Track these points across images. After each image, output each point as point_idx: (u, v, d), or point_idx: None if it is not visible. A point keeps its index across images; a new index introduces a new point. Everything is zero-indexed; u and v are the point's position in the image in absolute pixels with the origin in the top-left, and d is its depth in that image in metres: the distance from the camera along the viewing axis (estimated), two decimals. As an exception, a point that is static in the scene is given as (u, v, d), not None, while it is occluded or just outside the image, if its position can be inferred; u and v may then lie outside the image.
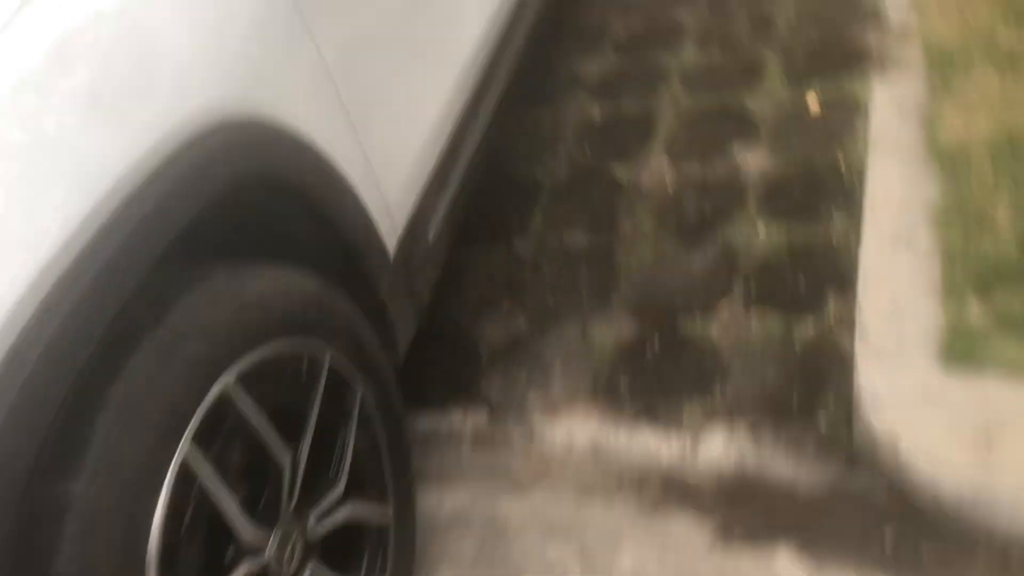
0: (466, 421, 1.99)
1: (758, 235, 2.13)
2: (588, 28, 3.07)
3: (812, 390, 1.78)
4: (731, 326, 1.96)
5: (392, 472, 1.54)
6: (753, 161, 2.32)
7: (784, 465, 1.69)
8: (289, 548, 1.26)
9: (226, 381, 1.16)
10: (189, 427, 1.09)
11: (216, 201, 1.14)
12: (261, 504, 1.25)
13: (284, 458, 1.27)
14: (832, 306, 1.91)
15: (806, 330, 1.90)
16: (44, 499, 0.95)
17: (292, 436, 1.30)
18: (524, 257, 2.30)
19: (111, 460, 1.00)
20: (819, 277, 1.98)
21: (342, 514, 1.38)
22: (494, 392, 2.01)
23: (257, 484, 1.25)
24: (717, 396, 1.84)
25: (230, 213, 1.19)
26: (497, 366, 2.06)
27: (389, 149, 1.58)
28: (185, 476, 1.09)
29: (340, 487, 1.39)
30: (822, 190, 2.18)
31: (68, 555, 0.94)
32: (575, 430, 1.88)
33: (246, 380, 1.19)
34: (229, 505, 1.16)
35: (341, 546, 1.39)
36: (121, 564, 0.99)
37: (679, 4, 3.02)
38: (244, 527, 1.18)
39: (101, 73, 1.02)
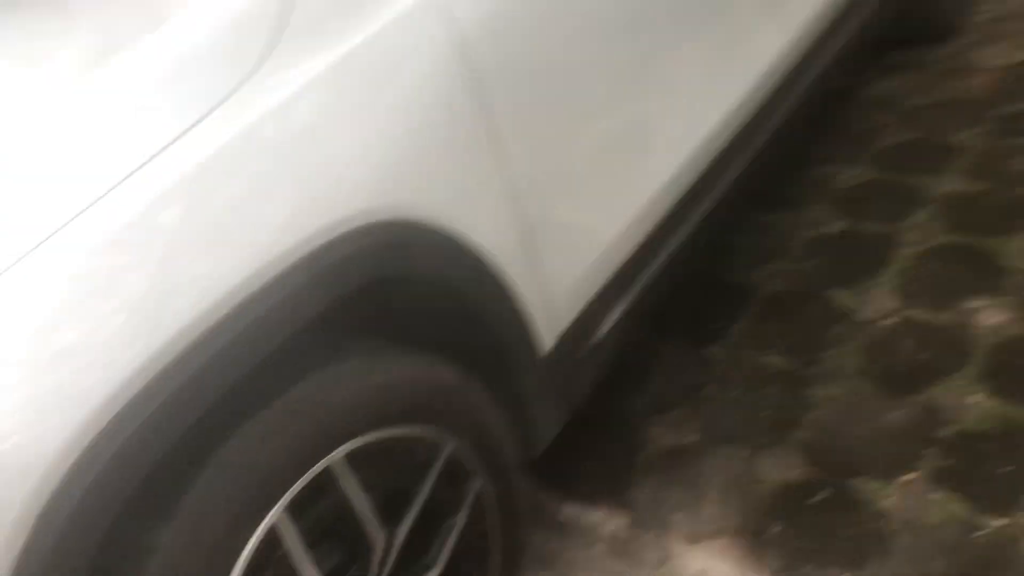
0: (606, 523, 1.95)
1: (971, 405, 1.91)
2: (853, 133, 2.91)
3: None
4: (909, 500, 1.77)
5: (499, 568, 1.55)
6: (989, 320, 2.09)
7: None
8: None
9: (333, 458, 1.23)
10: (285, 495, 1.17)
11: (359, 291, 1.21)
12: (348, 576, 1.30)
13: (379, 537, 1.32)
14: (1032, 509, 1.67)
15: (994, 526, 1.67)
16: (132, 544, 1.06)
17: (395, 513, 1.34)
18: (713, 366, 2.22)
19: (201, 514, 1.09)
20: (1027, 472, 1.74)
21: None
22: (642, 501, 1.96)
23: (348, 557, 1.31)
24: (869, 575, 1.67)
25: (375, 302, 1.26)
26: (652, 474, 2.01)
27: (563, 251, 1.60)
28: (271, 540, 1.16)
29: (435, 573, 1.42)
30: (1063, 371, 1.91)
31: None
32: (710, 567, 1.79)
33: (355, 458, 1.26)
34: (311, 574, 1.22)
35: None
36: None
37: (964, 126, 2.77)
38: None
39: (270, 167, 1.13)
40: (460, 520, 1.45)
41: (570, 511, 1.99)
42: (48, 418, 0.96)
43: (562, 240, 1.62)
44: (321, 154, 1.18)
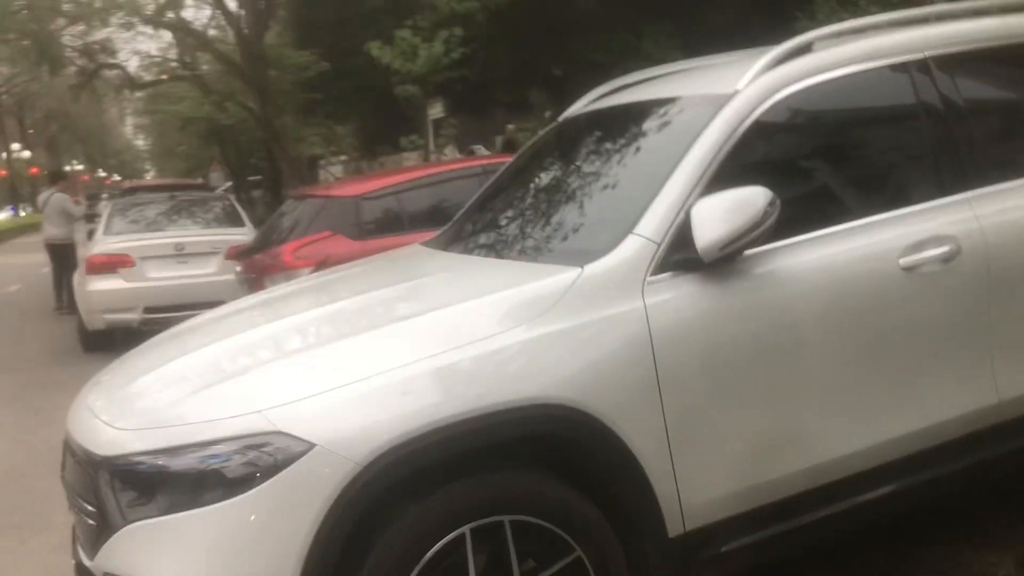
0: None
1: None
2: None
3: None
4: None
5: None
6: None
7: None
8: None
9: (504, 518, 2.29)
10: (466, 526, 2.26)
11: (518, 449, 2.33)
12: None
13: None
14: None
15: None
16: (385, 515, 2.23)
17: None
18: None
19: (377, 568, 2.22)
20: None
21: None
22: None
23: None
24: None
25: (531, 454, 2.36)
26: None
27: (697, 477, 2.50)
28: (456, 545, 2.25)
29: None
30: None
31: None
32: None
33: (516, 525, 2.30)
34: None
35: None
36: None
37: None
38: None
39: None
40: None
41: None
42: (381, 427, 2.21)
43: (704, 469, 2.52)
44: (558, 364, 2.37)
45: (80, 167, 59.17)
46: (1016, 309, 2.91)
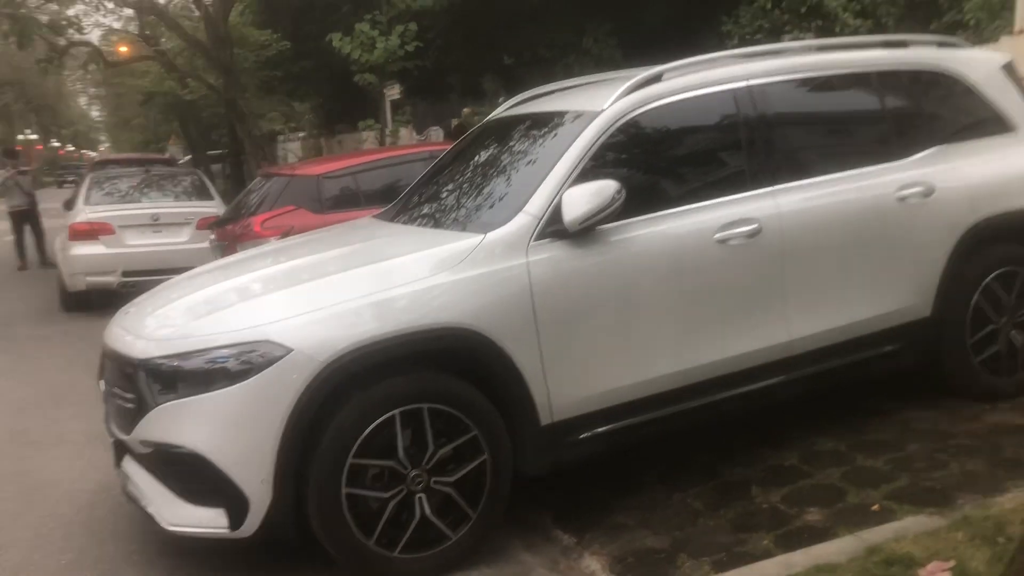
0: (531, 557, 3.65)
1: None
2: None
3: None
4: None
5: (485, 510, 3.44)
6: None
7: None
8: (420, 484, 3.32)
9: (422, 405, 3.32)
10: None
11: (435, 357, 3.36)
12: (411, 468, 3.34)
13: (434, 449, 3.34)
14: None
15: None
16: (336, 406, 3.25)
17: (444, 442, 3.36)
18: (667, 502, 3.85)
19: (326, 457, 3.24)
20: None
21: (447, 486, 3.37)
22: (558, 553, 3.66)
23: (417, 449, 3.35)
24: None
25: (444, 362, 3.40)
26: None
27: (564, 384, 3.54)
28: (386, 426, 3.28)
29: (455, 476, 3.38)
30: None
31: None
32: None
33: (432, 411, 3.33)
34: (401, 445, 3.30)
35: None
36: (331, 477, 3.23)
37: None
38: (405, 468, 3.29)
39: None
40: (473, 466, 3.41)
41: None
42: (337, 338, 3.22)
43: (568, 377, 3.57)
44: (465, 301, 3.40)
45: (34, 136, 58.76)
46: (803, 273, 4.00)
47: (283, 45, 19.09)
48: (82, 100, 60.46)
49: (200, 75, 18.11)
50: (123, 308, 4.07)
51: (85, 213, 9.81)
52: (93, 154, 58.12)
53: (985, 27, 9.80)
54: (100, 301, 9.61)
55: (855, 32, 11.02)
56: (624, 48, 13.35)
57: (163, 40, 19.35)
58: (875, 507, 3.46)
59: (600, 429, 3.69)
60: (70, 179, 38.19)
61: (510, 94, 14.56)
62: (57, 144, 67.21)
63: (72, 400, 6.19)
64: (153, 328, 3.64)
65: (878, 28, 11.21)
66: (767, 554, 3.25)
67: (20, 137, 49.87)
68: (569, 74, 13.24)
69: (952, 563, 2.89)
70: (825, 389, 4.23)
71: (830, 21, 10.96)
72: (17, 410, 6.20)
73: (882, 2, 10.93)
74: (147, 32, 18.13)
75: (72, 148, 69.86)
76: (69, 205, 10.90)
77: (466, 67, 16.18)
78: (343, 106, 20.70)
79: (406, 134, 18.17)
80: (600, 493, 3.91)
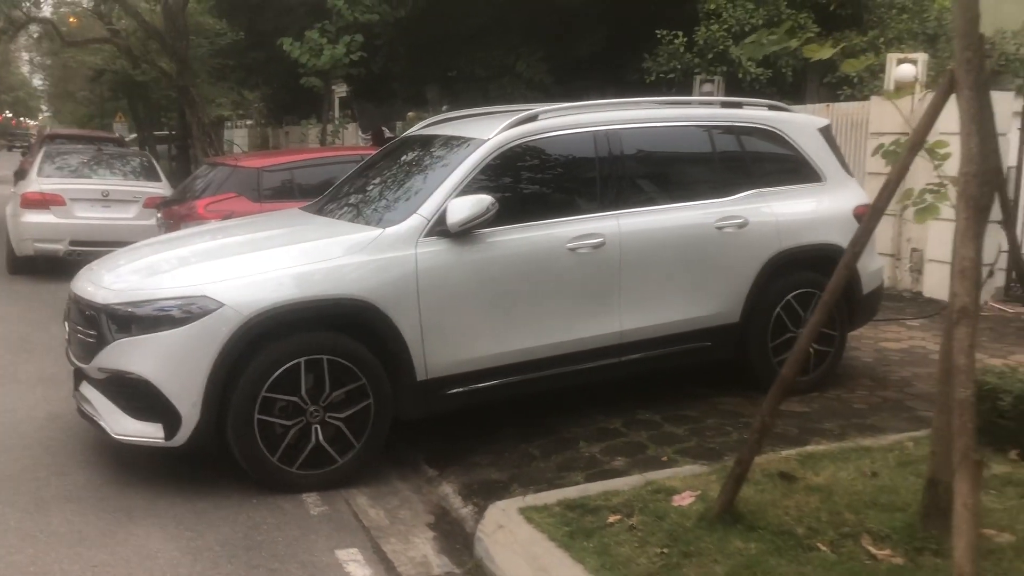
0: (402, 483, 4.68)
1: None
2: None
3: None
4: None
5: (367, 444, 4.43)
6: None
7: None
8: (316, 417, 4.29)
9: (323, 356, 4.29)
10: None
11: (336, 320, 4.34)
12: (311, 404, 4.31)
13: (328, 391, 4.32)
14: None
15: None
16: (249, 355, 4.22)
17: (336, 386, 4.34)
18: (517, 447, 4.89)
19: (244, 390, 4.21)
20: None
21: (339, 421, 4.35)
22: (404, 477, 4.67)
23: (315, 392, 4.32)
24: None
25: (343, 324, 4.38)
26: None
27: (439, 349, 4.55)
28: (291, 373, 4.25)
29: (345, 413, 4.36)
30: None
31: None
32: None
33: (331, 363, 4.31)
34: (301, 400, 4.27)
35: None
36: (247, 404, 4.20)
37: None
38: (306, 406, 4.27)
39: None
40: (360, 407, 4.39)
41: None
42: (260, 299, 4.19)
43: (441, 345, 4.58)
44: (365, 278, 4.38)
45: (-26, 100, 57.86)
46: (635, 279, 5.09)
47: (238, 35, 19.84)
48: (24, 68, 59.68)
49: (153, 59, 18.74)
50: (87, 266, 4.98)
51: (38, 183, 10.53)
52: (32, 122, 57.39)
53: (866, 86, 11.19)
54: (45, 266, 10.38)
55: (757, 79, 12.32)
56: (556, 74, 14.49)
57: (121, 21, 19.91)
58: (664, 459, 4.54)
59: (465, 387, 4.71)
60: (18, 144, 38.87)
61: (452, 103, 15.66)
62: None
63: (24, 348, 7.01)
64: (111, 281, 4.56)
65: (778, 77, 12.55)
66: (576, 485, 4.29)
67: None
68: (503, 94, 14.37)
69: (699, 493, 3.97)
70: (650, 371, 5.34)
71: (734, 68, 12.21)
72: (-29, 355, 6.99)
73: (782, 55, 12.23)
74: (102, 7, 18.62)
75: (10, 115, 68.77)
76: (21, 175, 11.58)
77: (411, 76, 17.17)
78: (292, 98, 21.47)
79: (353, 130, 19.08)
80: (464, 440, 4.92)
